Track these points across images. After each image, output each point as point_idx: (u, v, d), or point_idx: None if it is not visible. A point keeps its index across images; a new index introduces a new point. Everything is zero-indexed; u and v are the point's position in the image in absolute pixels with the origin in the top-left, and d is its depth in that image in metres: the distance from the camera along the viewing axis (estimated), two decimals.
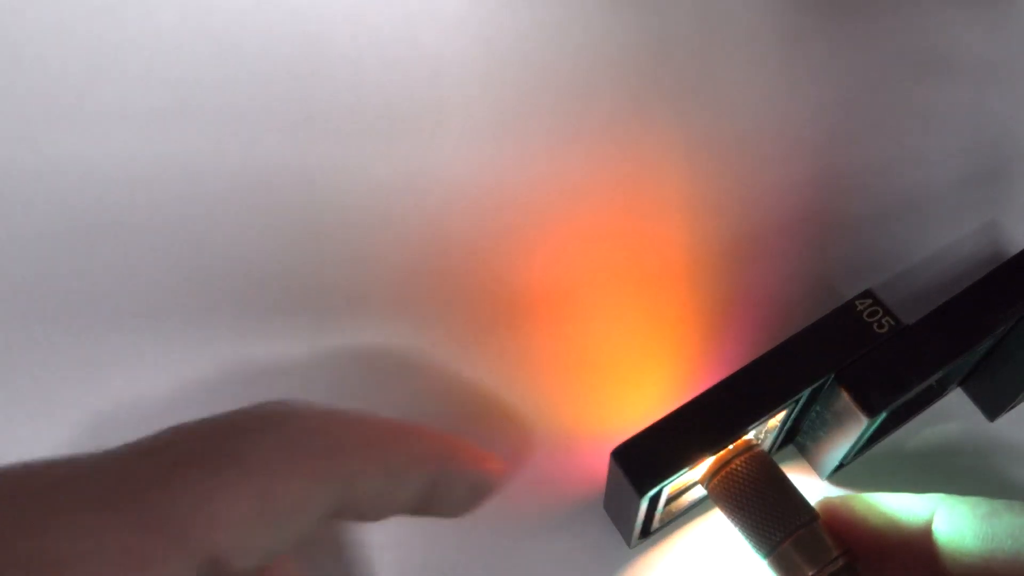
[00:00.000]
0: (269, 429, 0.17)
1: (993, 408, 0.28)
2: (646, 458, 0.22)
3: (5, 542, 0.14)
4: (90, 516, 0.14)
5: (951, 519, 0.21)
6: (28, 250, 0.29)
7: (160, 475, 0.16)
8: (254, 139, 0.29)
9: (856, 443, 0.24)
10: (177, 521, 0.15)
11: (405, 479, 0.19)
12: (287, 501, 0.16)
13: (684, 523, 0.26)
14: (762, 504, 0.22)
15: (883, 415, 0.23)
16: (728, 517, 0.23)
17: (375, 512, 0.19)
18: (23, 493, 0.15)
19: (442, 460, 0.20)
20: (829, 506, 0.23)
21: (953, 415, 0.28)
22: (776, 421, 0.24)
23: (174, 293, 0.29)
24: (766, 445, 0.26)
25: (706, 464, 0.23)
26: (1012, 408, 0.28)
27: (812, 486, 0.27)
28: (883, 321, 0.24)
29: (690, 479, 0.25)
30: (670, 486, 0.22)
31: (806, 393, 0.23)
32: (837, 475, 0.27)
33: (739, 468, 0.23)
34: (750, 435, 0.23)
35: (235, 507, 0.16)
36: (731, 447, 0.23)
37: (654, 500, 0.23)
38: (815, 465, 0.27)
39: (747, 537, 0.23)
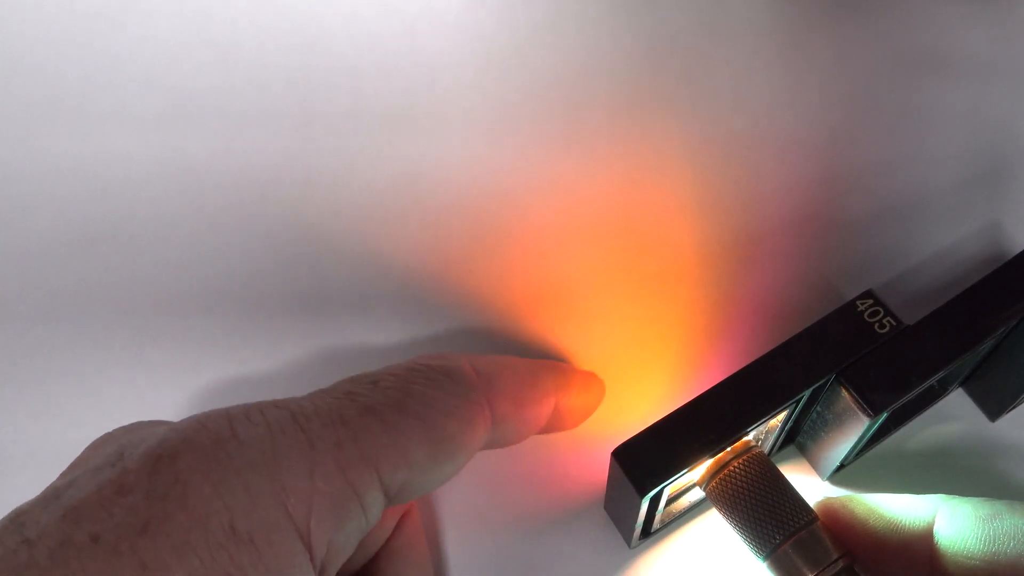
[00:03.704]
0: (438, 382, 0.20)
1: (994, 409, 0.28)
2: (647, 458, 0.22)
3: (257, 467, 0.16)
4: (311, 453, 0.16)
5: (952, 520, 0.21)
6: (27, 253, 0.29)
7: (357, 416, 0.18)
8: (253, 142, 0.29)
9: (857, 443, 0.24)
10: (374, 457, 0.17)
11: (540, 412, 0.22)
12: (453, 444, 0.19)
13: (685, 523, 0.26)
14: (760, 506, 0.22)
15: (884, 415, 0.23)
16: (726, 520, 0.23)
17: (515, 440, 0.22)
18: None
19: (562, 387, 0.23)
20: (828, 507, 0.23)
21: (954, 416, 0.28)
22: (777, 421, 0.24)
23: (173, 296, 0.29)
24: (767, 445, 0.25)
25: (704, 466, 0.23)
26: (1013, 409, 0.28)
27: (813, 486, 0.27)
28: (884, 321, 0.23)
29: (691, 479, 0.25)
30: (671, 486, 0.22)
31: (807, 393, 0.23)
32: (838, 475, 0.27)
33: (737, 470, 0.23)
34: (750, 436, 0.23)
35: (418, 448, 0.18)
36: (728, 449, 0.23)
37: (655, 500, 0.23)
38: (816, 465, 0.27)
39: (746, 540, 0.23)
